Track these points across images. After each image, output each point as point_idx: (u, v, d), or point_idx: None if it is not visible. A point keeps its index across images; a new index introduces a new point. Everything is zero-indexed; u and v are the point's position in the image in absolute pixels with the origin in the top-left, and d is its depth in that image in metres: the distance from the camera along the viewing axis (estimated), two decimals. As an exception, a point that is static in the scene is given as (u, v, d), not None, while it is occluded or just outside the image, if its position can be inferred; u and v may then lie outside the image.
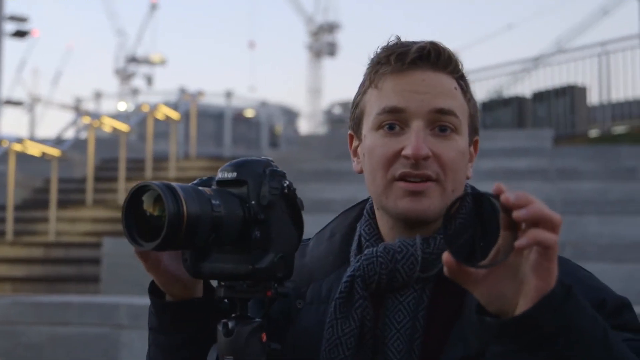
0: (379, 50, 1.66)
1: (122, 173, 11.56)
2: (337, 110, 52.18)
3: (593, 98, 15.09)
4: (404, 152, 1.57)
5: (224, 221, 1.43)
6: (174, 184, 1.41)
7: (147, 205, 1.40)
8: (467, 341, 1.48)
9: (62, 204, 11.02)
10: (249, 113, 32.34)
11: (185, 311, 1.59)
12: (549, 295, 1.23)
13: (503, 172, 9.35)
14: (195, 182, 1.53)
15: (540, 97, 15.79)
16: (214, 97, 25.53)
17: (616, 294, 1.55)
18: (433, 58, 1.61)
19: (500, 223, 1.25)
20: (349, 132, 1.74)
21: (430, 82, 1.60)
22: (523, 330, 1.24)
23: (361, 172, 1.69)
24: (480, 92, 17.60)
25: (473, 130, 1.68)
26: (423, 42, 1.63)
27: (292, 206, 1.52)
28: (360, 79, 1.71)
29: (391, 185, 1.60)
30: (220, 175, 1.52)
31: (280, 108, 41.00)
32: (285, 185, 1.50)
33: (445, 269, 1.27)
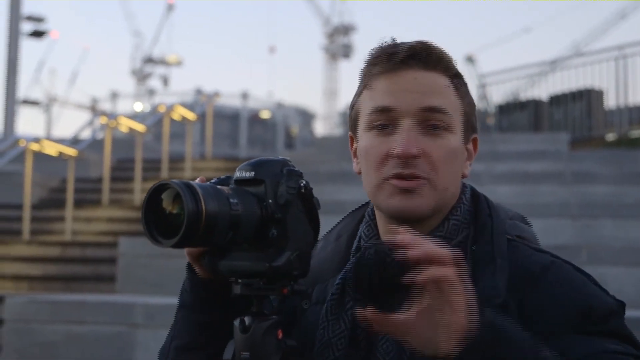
0: (371, 52, 1.66)
1: (138, 173, 11.57)
2: (353, 112, 52.08)
3: (610, 101, 15.04)
4: (394, 151, 1.57)
5: (241, 219, 1.45)
6: (192, 182, 1.43)
7: (166, 204, 1.43)
8: None
9: (78, 203, 11.05)
10: (265, 114, 32.37)
11: (218, 289, 1.59)
12: (467, 334, 1.28)
13: (519, 176, 9.28)
14: (213, 180, 1.55)
15: (557, 100, 15.75)
16: (229, 98, 25.55)
17: (607, 300, 1.53)
18: (423, 57, 1.61)
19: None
20: (349, 133, 1.74)
21: (421, 80, 1.60)
22: None
23: (360, 173, 1.69)
24: (497, 95, 17.57)
25: (469, 128, 1.67)
26: (414, 41, 1.63)
27: (309, 205, 1.53)
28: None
29: (383, 184, 1.60)
30: (238, 174, 1.54)
31: (296, 109, 41.06)
32: (302, 184, 1.52)
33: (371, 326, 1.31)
